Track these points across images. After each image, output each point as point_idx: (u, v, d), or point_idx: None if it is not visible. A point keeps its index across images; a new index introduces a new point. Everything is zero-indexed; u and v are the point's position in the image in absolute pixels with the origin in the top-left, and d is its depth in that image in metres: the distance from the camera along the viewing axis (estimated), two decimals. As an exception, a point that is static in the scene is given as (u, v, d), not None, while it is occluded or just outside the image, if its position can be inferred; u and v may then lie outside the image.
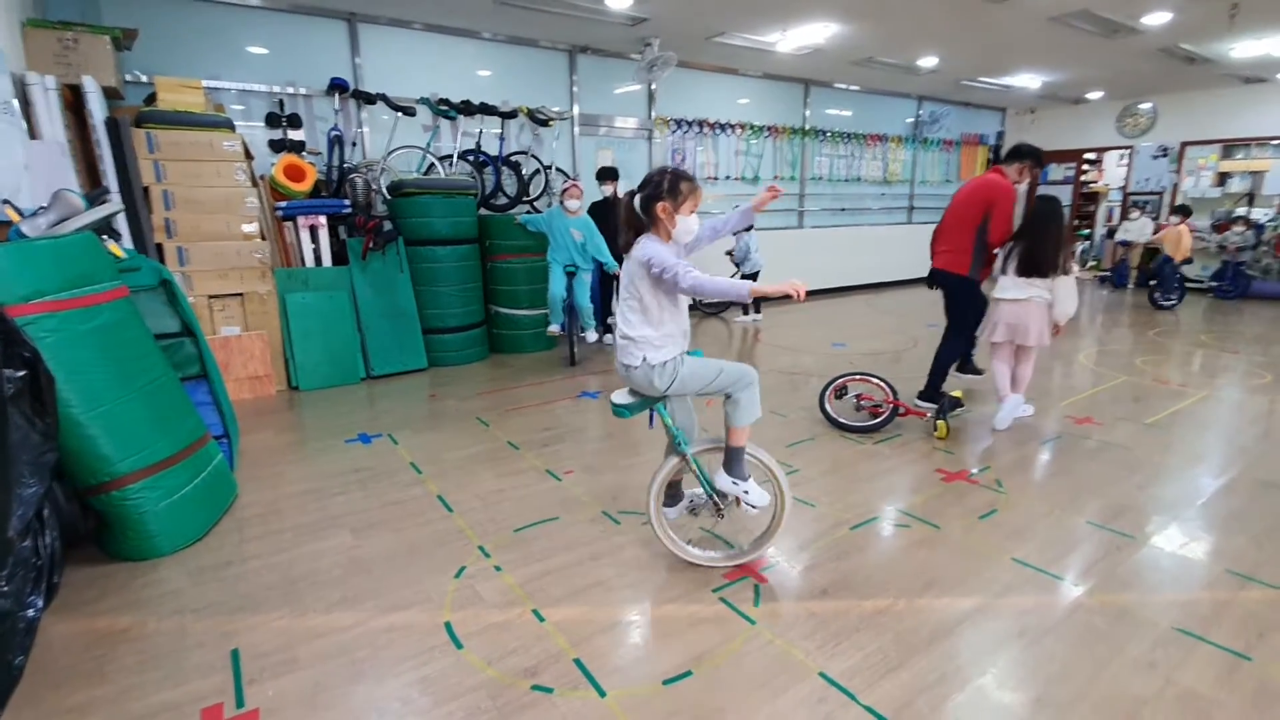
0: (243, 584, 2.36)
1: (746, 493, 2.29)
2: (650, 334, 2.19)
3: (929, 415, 3.82)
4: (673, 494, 2.47)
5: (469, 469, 3.35)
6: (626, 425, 4.03)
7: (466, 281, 5.59)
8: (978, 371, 4.80)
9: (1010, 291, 3.78)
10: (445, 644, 2.01)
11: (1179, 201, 9.35)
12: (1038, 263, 3.69)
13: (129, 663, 1.96)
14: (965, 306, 4.19)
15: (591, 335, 5.72)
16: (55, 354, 2.33)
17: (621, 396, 2.33)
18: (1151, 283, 8.25)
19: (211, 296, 4.58)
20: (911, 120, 10.18)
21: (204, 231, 4.50)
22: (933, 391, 4.15)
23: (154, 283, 3.07)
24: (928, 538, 2.64)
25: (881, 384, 3.97)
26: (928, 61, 7.61)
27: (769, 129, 8.52)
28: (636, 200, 2.17)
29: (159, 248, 4.38)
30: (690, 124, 7.81)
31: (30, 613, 2.02)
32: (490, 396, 4.66)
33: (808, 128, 8.90)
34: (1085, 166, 11.43)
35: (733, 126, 8.17)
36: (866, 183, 9.83)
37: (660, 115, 7.58)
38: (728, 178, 8.29)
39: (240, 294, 4.68)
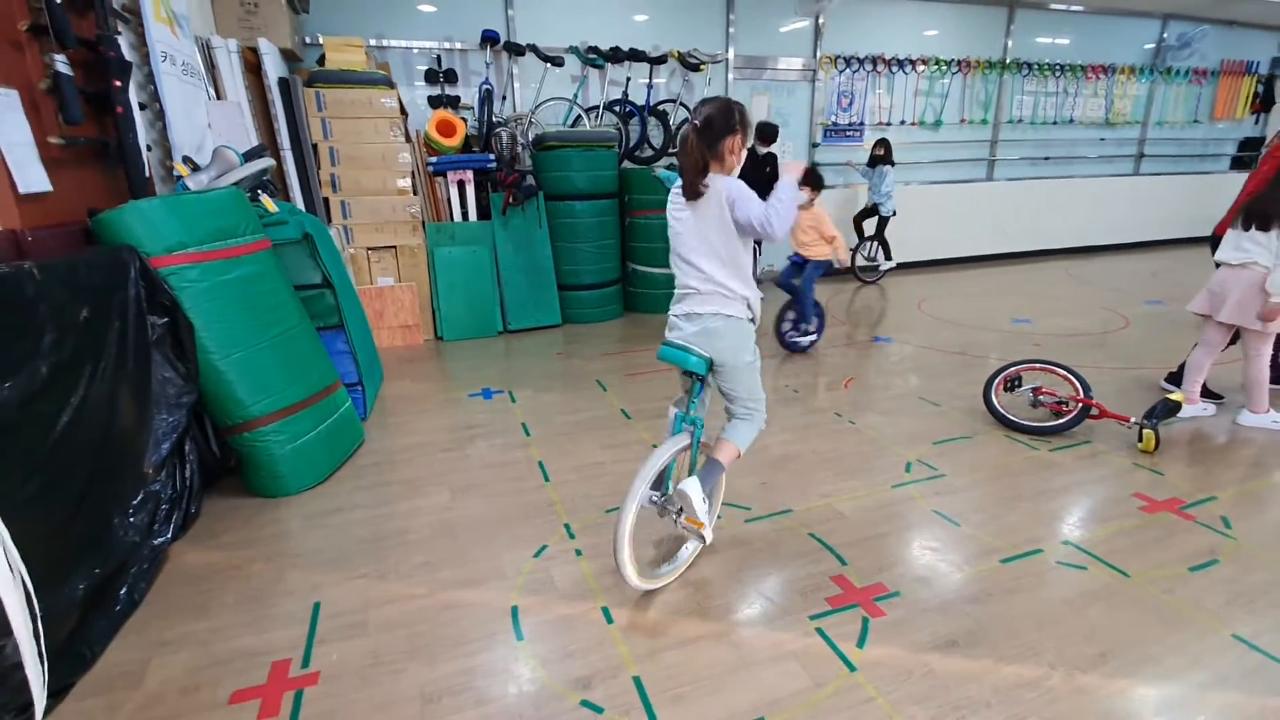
0: (343, 534, 2.43)
1: (707, 514, 1.97)
2: (749, 290, 1.96)
3: (1133, 420, 3.04)
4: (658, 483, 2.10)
5: (576, 436, 3.23)
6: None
7: (604, 238, 5.46)
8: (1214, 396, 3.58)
9: (1225, 251, 3.06)
10: (506, 631, 1.89)
11: None
12: (1263, 210, 2.92)
13: (229, 600, 2.07)
14: None
15: None
16: (196, 302, 2.50)
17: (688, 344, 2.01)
18: None
19: (370, 249, 4.87)
20: (1152, 45, 8.25)
21: (363, 186, 4.76)
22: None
23: (298, 236, 3.23)
24: (1110, 587, 2.05)
25: (1069, 376, 3.22)
26: (1183, -33, 6.02)
27: (959, 64, 7.33)
28: (704, 135, 1.86)
29: (325, 202, 4.71)
30: (861, 62, 6.93)
31: (157, 542, 2.22)
32: (615, 359, 4.52)
33: (1009, 60, 7.54)
34: None
35: (912, 63, 7.13)
36: (1081, 125, 8.20)
37: (827, 54, 6.79)
38: (903, 123, 7.30)
39: (394, 247, 4.93)
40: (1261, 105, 9.09)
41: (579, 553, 2.27)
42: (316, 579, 2.17)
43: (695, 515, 1.92)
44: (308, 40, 5.12)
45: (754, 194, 1.88)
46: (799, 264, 4.50)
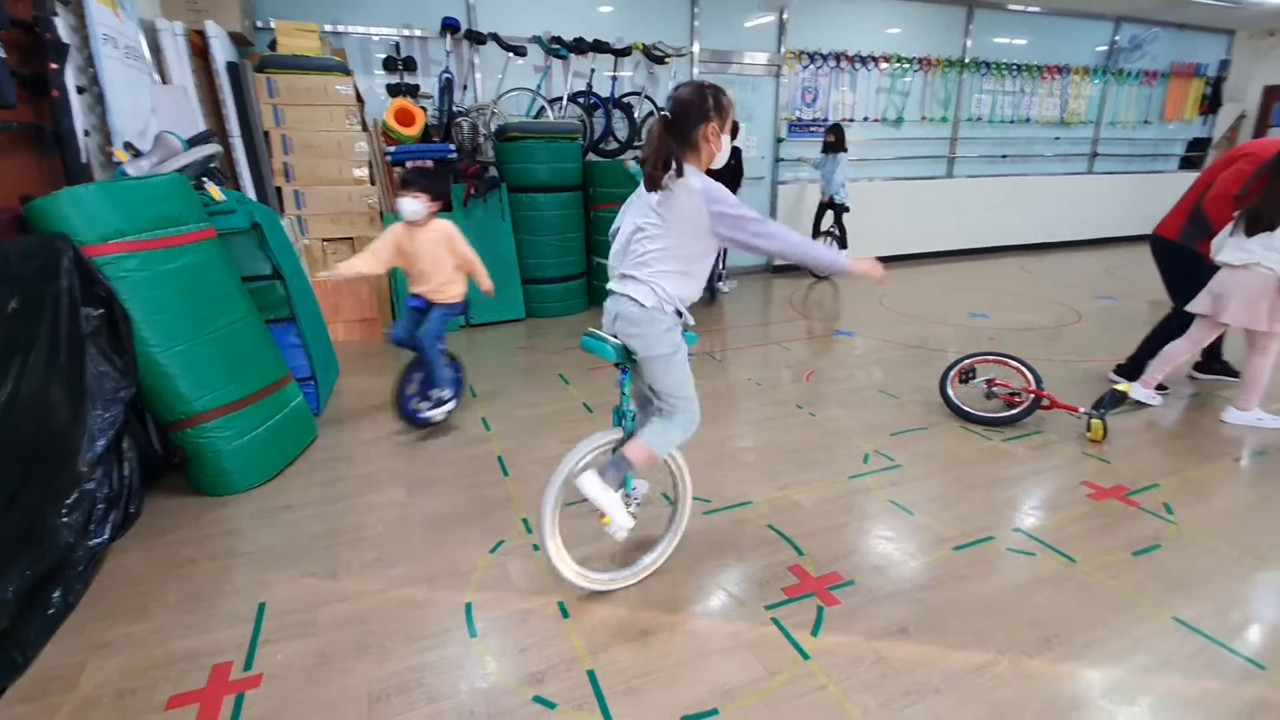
0: (294, 531, 2.37)
1: (612, 505, 1.85)
2: (680, 289, 1.82)
3: (1082, 411, 3.12)
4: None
5: (536, 430, 3.20)
6: (714, 395, 3.69)
7: (568, 231, 5.41)
8: (1231, 373, 3.79)
9: (1226, 254, 3.08)
10: (460, 628, 1.86)
11: None
12: (1263, 215, 2.94)
13: (171, 601, 1.99)
14: (1176, 281, 3.55)
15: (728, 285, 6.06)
16: (134, 293, 2.40)
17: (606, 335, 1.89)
18: None
19: (325, 240, 4.74)
20: (1105, 47, 8.49)
21: (318, 176, 4.63)
22: (1132, 368, 3.65)
23: (246, 225, 3.12)
24: (1057, 574, 2.10)
25: (1021, 368, 3.30)
26: (1133, -29, 6.19)
27: (920, 62, 7.44)
28: (672, 125, 1.73)
29: (278, 191, 4.57)
30: (825, 58, 6.98)
31: (93, 542, 2.12)
32: (577, 352, 4.48)
33: (967, 59, 7.68)
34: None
35: (875, 60, 7.21)
36: (1037, 125, 8.39)
37: (791, 49, 6.82)
38: (866, 119, 7.39)
39: (351, 238, 4.81)
40: (1209, 107, 9.43)
41: (536, 547, 2.24)
42: (263, 578, 2.10)
43: (600, 508, 1.84)
44: (259, 24, 4.95)
45: (741, 204, 1.74)
46: (420, 309, 3.13)
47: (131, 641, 1.83)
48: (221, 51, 4.15)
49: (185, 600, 2.00)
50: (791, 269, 7.24)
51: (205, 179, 3.23)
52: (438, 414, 3.17)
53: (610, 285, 1.90)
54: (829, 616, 1.89)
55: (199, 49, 4.14)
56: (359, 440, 3.12)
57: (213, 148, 3.20)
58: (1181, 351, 3.35)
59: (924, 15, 7.35)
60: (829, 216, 6.71)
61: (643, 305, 1.79)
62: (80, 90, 2.93)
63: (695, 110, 1.72)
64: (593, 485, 1.82)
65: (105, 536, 2.18)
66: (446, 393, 3.19)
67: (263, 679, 1.69)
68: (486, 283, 3.20)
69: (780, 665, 1.71)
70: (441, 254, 3.07)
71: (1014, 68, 7.96)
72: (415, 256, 3.05)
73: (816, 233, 6.82)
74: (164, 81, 3.88)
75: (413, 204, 2.96)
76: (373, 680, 1.68)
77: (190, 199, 2.74)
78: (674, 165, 1.71)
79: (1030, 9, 7.78)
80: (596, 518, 1.89)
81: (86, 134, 2.94)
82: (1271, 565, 2.15)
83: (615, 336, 1.86)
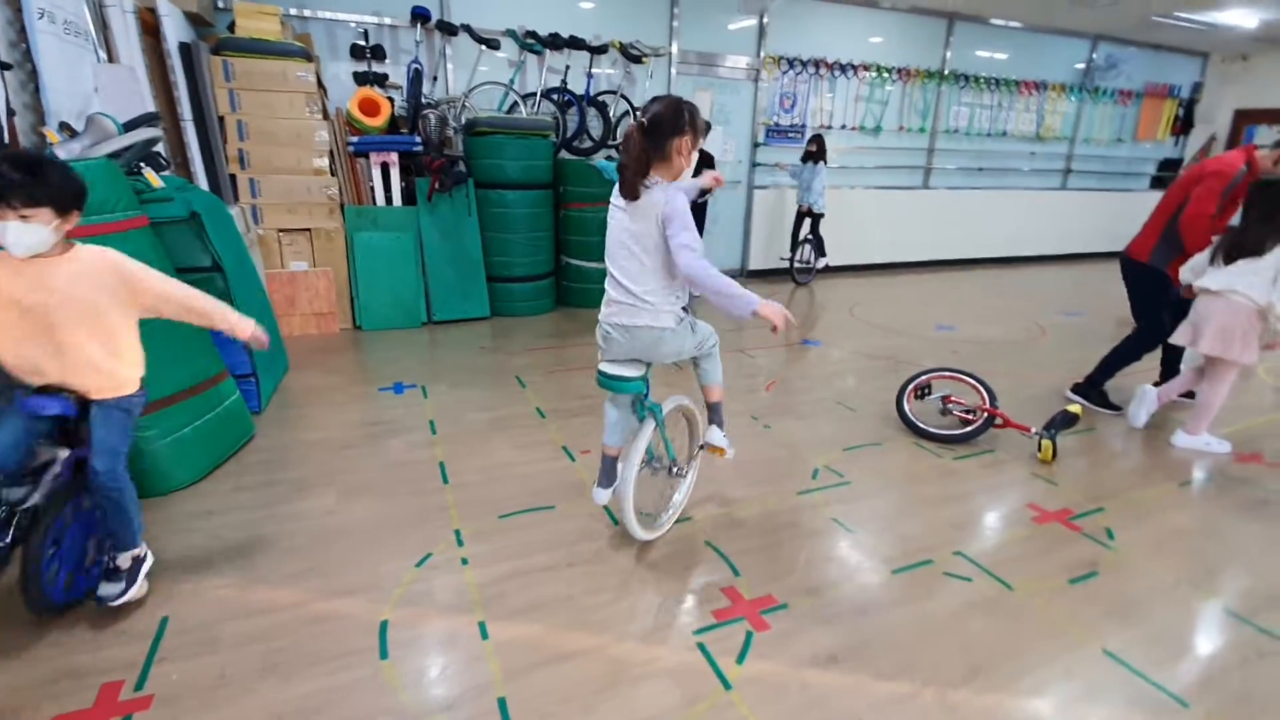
0: (212, 539, 2.26)
1: (727, 444, 2.37)
2: (673, 297, 2.00)
3: (1034, 431, 3.10)
4: (610, 472, 2.24)
5: (485, 434, 3.11)
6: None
7: (537, 229, 5.31)
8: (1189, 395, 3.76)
9: (1205, 280, 3.06)
10: (371, 649, 1.78)
11: None
12: (1245, 246, 2.93)
13: (69, 612, 1.88)
14: (1141, 300, 3.56)
15: None
16: (51, 284, 2.28)
17: (624, 368, 2.06)
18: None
19: (281, 230, 4.60)
20: (1082, 65, 8.56)
21: (275, 164, 4.49)
22: (1089, 387, 3.68)
23: (184, 215, 3.00)
24: (992, 600, 2.07)
25: (977, 385, 3.28)
26: (1109, -10, 6.23)
27: (899, 72, 7.44)
28: (650, 134, 1.82)
29: (233, 179, 4.43)
30: (805, 64, 6.95)
31: (-9, 547, 2.00)
32: (540, 354, 4.41)
33: (947, 71, 7.69)
34: (1312, 128, 9.22)
35: (855, 68, 7.19)
36: (1014, 139, 8.44)
37: (770, 54, 6.78)
38: (844, 127, 7.37)
39: (308, 229, 4.68)
40: (1181, 128, 9.56)
41: (465, 561, 2.16)
42: (171, 589, 2.00)
43: (719, 446, 2.33)
44: (220, 4, 4.79)
45: (691, 222, 1.84)
46: (58, 417, 1.79)
47: (23, 656, 1.72)
48: (174, 30, 4.00)
49: (83, 613, 1.89)
50: (767, 273, 7.21)
51: (144, 165, 3.10)
52: (134, 591, 1.85)
53: (614, 318, 2.01)
54: (757, 642, 1.84)
55: (150, 27, 3.99)
56: (298, 441, 3.01)
57: (153, 131, 3.06)
58: (1177, 388, 3.37)
59: (905, 26, 7.34)
60: (806, 224, 6.70)
61: (667, 328, 1.98)
62: (6, 66, 2.79)
63: (671, 123, 1.82)
64: (720, 437, 2.33)
65: (8, 540, 2.06)
66: (140, 548, 1.90)
67: (153, 700, 1.59)
68: (241, 325, 1.95)
69: (701, 694, 1.65)
70: (106, 303, 1.74)
71: (992, 81, 7.99)
72: (48, 317, 1.66)
73: (795, 241, 6.79)
74: (110, 60, 3.72)
75: (22, 229, 1.58)
76: (273, 704, 1.59)
77: (120, 185, 2.61)
78: (648, 172, 1.85)
79: (1010, 24, 7.81)
80: (714, 455, 2.39)
81: (13, 113, 2.80)
82: (1206, 593, 2.14)
83: (636, 360, 2.07)
